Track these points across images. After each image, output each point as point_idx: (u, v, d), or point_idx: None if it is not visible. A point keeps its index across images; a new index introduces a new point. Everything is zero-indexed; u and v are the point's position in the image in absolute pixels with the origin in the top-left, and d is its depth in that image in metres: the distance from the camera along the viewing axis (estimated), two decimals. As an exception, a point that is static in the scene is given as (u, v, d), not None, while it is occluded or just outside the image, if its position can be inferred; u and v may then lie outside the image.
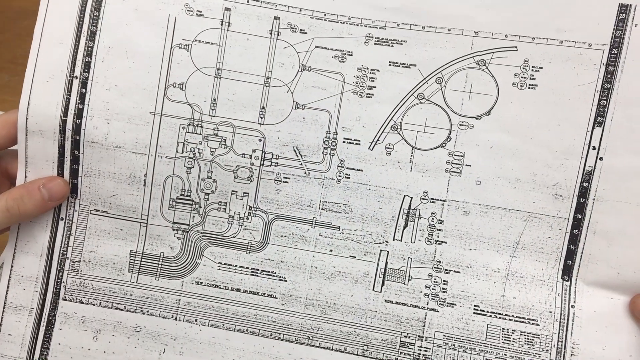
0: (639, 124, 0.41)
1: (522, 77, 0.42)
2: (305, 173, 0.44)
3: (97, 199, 0.45)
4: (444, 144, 0.44)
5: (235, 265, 0.45)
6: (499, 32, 0.42)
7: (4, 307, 0.45)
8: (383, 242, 0.44)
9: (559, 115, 0.42)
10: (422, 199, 0.44)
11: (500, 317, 0.43)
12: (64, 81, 0.44)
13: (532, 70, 0.42)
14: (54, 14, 0.43)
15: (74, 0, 0.43)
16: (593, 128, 0.42)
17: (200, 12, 0.44)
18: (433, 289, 0.44)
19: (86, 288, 0.45)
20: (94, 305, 0.45)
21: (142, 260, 0.45)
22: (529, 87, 0.42)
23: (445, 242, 0.44)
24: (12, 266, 0.45)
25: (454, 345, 0.43)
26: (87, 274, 0.45)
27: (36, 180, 0.44)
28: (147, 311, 0.45)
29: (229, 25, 0.44)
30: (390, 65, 0.44)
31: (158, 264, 0.45)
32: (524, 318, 0.43)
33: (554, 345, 0.43)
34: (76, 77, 0.44)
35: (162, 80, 0.44)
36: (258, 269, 0.45)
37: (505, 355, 0.43)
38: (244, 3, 0.44)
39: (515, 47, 0.42)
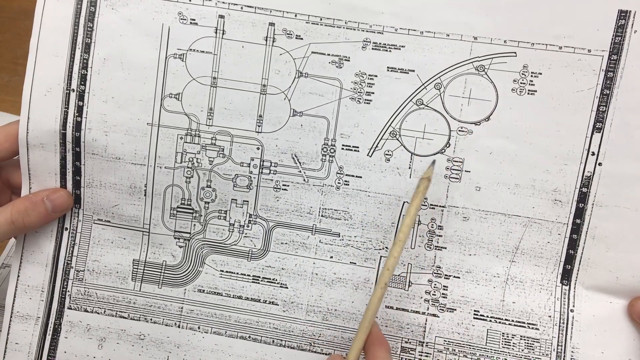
0: (638, 130, 0.41)
1: (521, 83, 0.42)
2: (304, 180, 0.45)
3: (99, 209, 0.46)
4: (443, 150, 0.43)
5: (237, 273, 0.45)
6: (498, 37, 0.42)
7: (11, 316, 0.46)
8: (383, 249, 0.44)
9: (558, 120, 0.42)
10: (422, 205, 0.44)
11: (500, 322, 0.44)
12: (61, 94, 0.44)
13: (532, 75, 0.42)
14: (49, 26, 0.43)
15: (68, 12, 0.43)
16: (592, 134, 0.42)
17: (194, 20, 0.43)
18: (433, 295, 0.44)
19: (90, 297, 0.46)
20: (98, 313, 0.46)
21: (145, 268, 0.46)
22: (528, 93, 0.42)
23: (445, 248, 0.44)
24: (18, 276, 0.46)
25: (454, 350, 0.44)
26: (92, 283, 0.46)
27: (40, 192, 0.45)
28: (151, 319, 0.46)
29: (223, 33, 0.43)
30: (388, 70, 0.43)
31: (160, 272, 0.46)
32: (524, 322, 0.43)
33: (554, 350, 0.43)
34: (73, 90, 0.44)
35: (158, 91, 0.44)
36: (259, 276, 0.45)
37: (506, 359, 0.43)
38: (237, 10, 0.43)
39: (515, 52, 0.42)
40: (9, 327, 0.46)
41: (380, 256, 0.44)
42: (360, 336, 0.39)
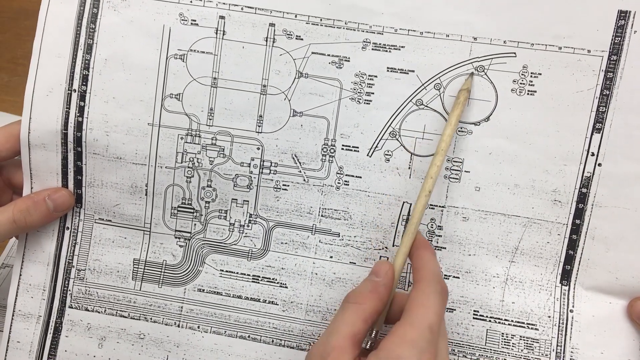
0: (637, 131, 0.41)
1: (521, 83, 0.42)
2: (304, 180, 0.45)
3: (101, 208, 0.46)
4: (442, 150, 0.43)
5: (237, 273, 0.45)
6: (497, 38, 0.42)
7: (13, 315, 0.46)
8: (383, 249, 0.44)
9: (558, 121, 0.42)
10: (421, 205, 0.44)
11: (499, 322, 0.44)
12: (63, 95, 0.44)
13: (531, 76, 0.42)
14: (52, 27, 0.44)
15: (71, 14, 0.43)
16: (592, 134, 0.42)
17: (195, 21, 0.43)
18: (432, 295, 0.44)
19: (91, 296, 0.46)
20: (99, 312, 0.46)
21: (146, 268, 0.46)
22: (528, 93, 0.42)
23: (445, 248, 0.44)
24: (20, 275, 0.46)
25: (453, 350, 0.44)
26: (92, 282, 0.46)
27: (42, 191, 0.45)
28: (151, 318, 0.46)
29: (223, 34, 0.43)
30: (388, 71, 0.43)
31: (161, 271, 0.46)
32: (523, 323, 0.43)
33: (553, 350, 0.43)
34: (75, 91, 0.44)
35: (159, 92, 0.44)
36: (259, 276, 0.45)
37: (505, 359, 0.43)
38: (238, 10, 0.43)
39: (514, 53, 0.42)
40: (11, 325, 0.46)
41: (380, 256, 0.44)
42: (405, 241, 0.40)
